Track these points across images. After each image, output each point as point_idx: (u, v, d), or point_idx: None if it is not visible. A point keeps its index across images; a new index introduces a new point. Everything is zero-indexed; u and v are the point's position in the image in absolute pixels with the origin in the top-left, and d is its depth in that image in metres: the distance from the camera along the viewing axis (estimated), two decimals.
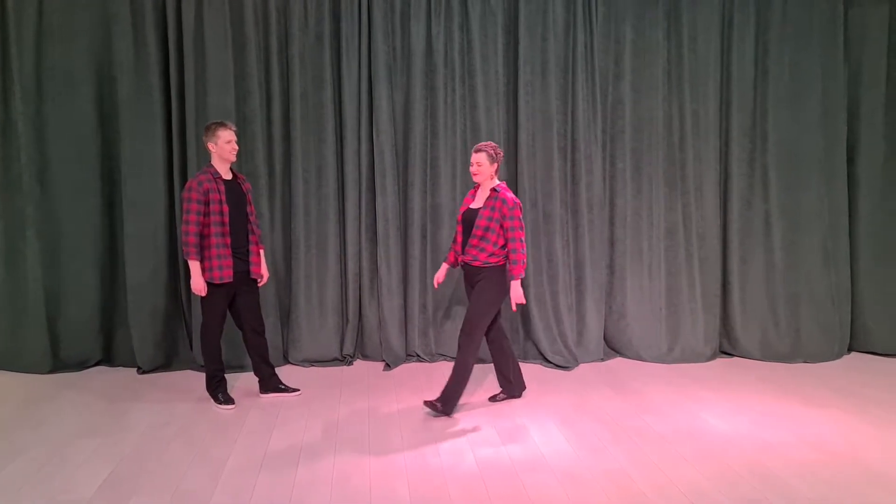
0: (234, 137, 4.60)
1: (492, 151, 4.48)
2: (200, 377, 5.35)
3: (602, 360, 5.75)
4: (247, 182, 4.79)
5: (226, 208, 4.51)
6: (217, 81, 5.36)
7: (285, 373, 5.48)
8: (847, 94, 5.83)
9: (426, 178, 5.69)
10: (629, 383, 5.18)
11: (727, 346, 5.90)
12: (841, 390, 4.98)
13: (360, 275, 5.72)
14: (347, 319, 5.73)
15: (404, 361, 5.73)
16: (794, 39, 5.68)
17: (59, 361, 5.51)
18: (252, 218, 4.71)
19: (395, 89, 5.63)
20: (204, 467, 3.77)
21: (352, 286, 5.70)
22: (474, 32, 5.57)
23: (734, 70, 5.74)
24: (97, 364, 5.63)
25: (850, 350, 5.94)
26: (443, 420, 4.45)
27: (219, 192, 4.50)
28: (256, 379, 4.98)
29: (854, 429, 4.25)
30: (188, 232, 4.45)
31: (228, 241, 4.54)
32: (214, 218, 4.48)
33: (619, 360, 5.80)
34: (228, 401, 4.71)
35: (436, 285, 4.83)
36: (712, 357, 5.78)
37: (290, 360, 5.69)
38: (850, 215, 5.88)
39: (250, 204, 4.72)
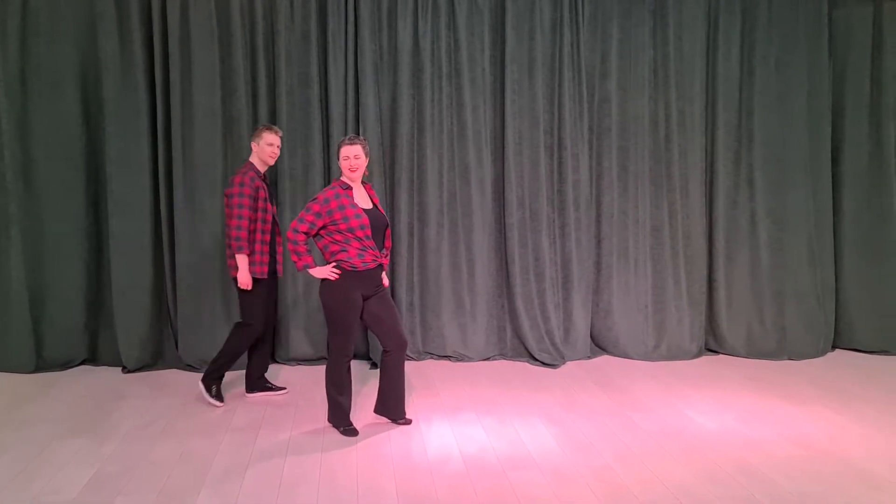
0: (277, 141, 4.62)
1: (366, 145, 4.15)
2: (186, 376, 5.33)
3: (589, 357, 5.77)
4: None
5: (269, 206, 4.63)
6: (203, 79, 5.33)
7: (272, 371, 5.47)
8: (832, 94, 5.88)
9: (413, 176, 5.68)
10: (616, 381, 5.20)
11: (713, 344, 5.94)
12: (825, 387, 5.02)
13: None
14: None
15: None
16: (780, 39, 5.72)
17: (43, 361, 5.47)
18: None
19: (382, 87, 5.62)
20: (190, 466, 3.75)
21: None
22: (461, 31, 5.57)
23: (720, 69, 5.78)
24: (82, 363, 5.59)
25: (834, 347, 5.99)
26: (430, 418, 4.45)
27: (265, 190, 4.60)
28: (243, 378, 4.96)
29: (838, 425, 4.29)
30: (241, 227, 4.47)
31: (268, 238, 4.63)
32: (260, 215, 4.57)
33: (605, 357, 5.82)
34: (220, 397, 4.70)
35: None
36: (698, 354, 5.82)
37: (276, 358, 5.68)
38: (834, 214, 5.93)
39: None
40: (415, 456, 3.88)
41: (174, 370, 5.49)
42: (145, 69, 5.35)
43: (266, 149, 4.61)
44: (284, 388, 4.96)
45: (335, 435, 4.18)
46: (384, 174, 5.66)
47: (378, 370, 5.22)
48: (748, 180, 5.81)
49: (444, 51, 5.60)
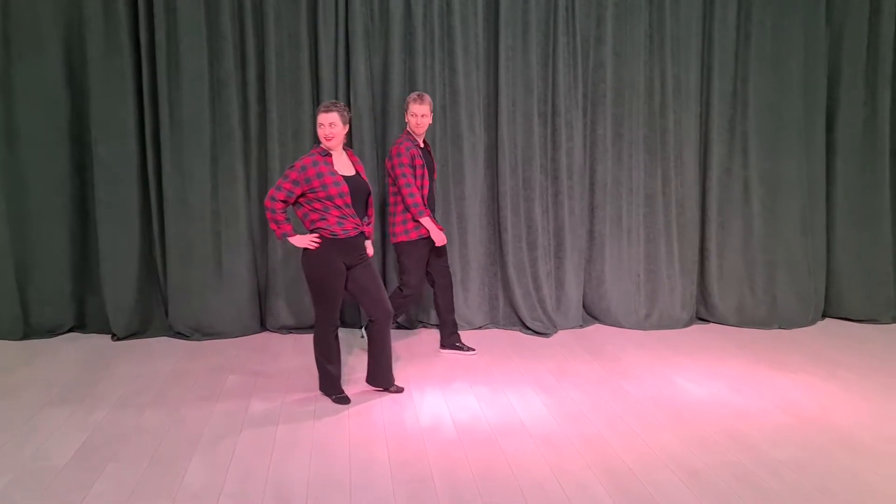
0: (421, 111, 4.74)
1: (344, 112, 4.04)
2: (176, 344, 5.31)
3: (581, 326, 5.78)
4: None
5: (425, 171, 4.84)
6: (189, 41, 5.21)
7: (263, 340, 5.45)
8: (828, 60, 5.82)
9: None
10: (607, 349, 5.21)
11: (704, 313, 5.95)
12: (815, 356, 5.05)
13: None
14: None
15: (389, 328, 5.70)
16: (776, 3, 5.63)
17: (30, 328, 5.42)
18: None
19: (373, 52, 5.51)
20: (181, 434, 3.74)
21: None
22: None
23: (716, 35, 5.69)
24: (70, 331, 5.55)
25: (824, 316, 6.02)
26: (422, 387, 4.45)
27: (420, 157, 4.80)
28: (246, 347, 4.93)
29: (826, 393, 4.32)
30: (412, 193, 4.75)
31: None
32: (418, 182, 4.83)
33: (597, 326, 5.83)
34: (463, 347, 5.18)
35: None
36: (689, 323, 5.83)
37: (267, 327, 5.65)
38: (827, 182, 5.91)
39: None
40: (407, 424, 3.88)
41: (164, 338, 5.45)
42: (130, 30, 5.22)
43: (411, 119, 4.77)
44: (474, 350, 5.09)
45: (327, 403, 4.18)
46: (375, 142, 5.58)
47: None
48: (742, 148, 5.76)
49: (436, 15, 5.48)
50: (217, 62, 5.33)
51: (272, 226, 4.04)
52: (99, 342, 5.35)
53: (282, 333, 5.59)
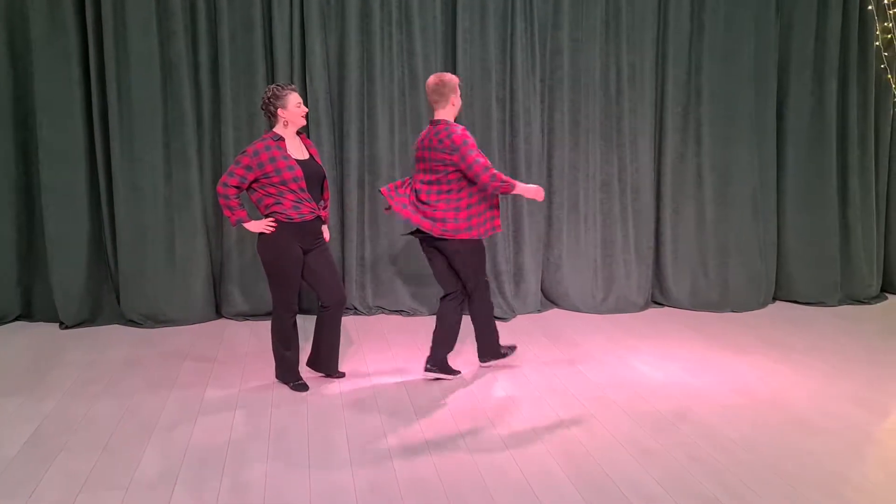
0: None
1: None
2: (128, 332, 5.19)
3: (539, 311, 5.82)
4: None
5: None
6: (138, 20, 5.07)
7: (219, 327, 5.36)
8: (778, 51, 5.93)
9: (363, 127, 5.55)
10: (565, 333, 5.26)
11: (659, 297, 6.05)
12: (766, 338, 5.18)
13: None
14: None
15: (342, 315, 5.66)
16: None
17: None
18: None
19: (329, 33, 5.43)
20: (135, 423, 3.65)
21: None
22: None
23: (670, 23, 5.76)
24: (16, 319, 5.38)
25: (774, 299, 6.17)
26: (380, 373, 4.43)
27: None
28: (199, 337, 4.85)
29: (777, 374, 4.43)
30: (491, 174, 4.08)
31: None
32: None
33: (555, 310, 5.88)
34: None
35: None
36: (645, 307, 5.92)
37: (223, 314, 5.56)
38: (777, 169, 6.04)
39: None
40: (366, 409, 3.86)
41: (115, 326, 5.32)
42: (75, 9, 5.05)
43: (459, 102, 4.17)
44: (514, 346, 4.60)
45: (285, 390, 4.13)
46: (333, 125, 5.51)
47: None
48: (696, 135, 5.85)
49: None
50: (167, 43, 5.20)
51: (226, 212, 3.95)
52: (47, 331, 5.19)
53: (238, 320, 5.50)
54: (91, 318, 5.33)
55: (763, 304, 6.00)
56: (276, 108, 3.91)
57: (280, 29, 5.30)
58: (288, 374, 4.17)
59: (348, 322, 5.49)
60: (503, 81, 5.61)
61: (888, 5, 5.90)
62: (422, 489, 3.04)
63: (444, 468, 3.22)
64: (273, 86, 3.94)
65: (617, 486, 3.07)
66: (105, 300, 5.41)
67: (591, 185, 5.79)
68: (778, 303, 6.15)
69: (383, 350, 4.86)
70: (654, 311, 5.89)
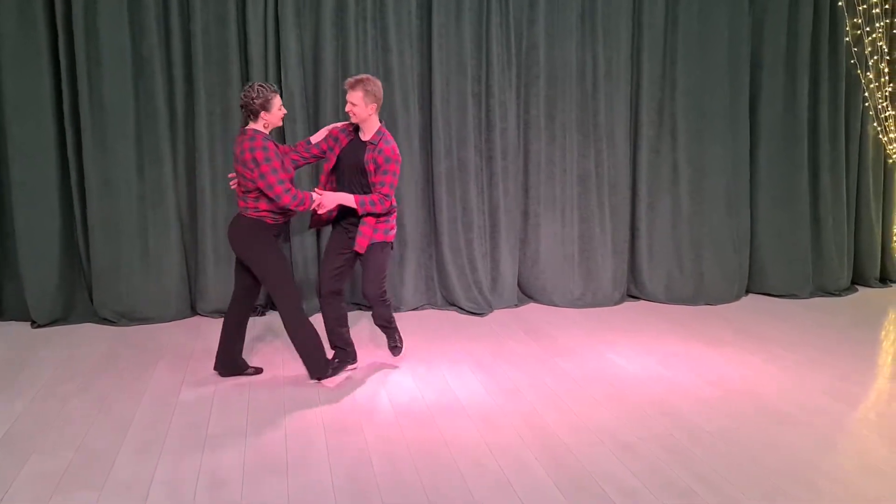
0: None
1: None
2: (101, 330, 5.12)
3: (516, 305, 5.83)
4: (381, 152, 4.13)
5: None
6: (109, 14, 4.98)
7: (194, 324, 5.30)
8: (751, 46, 5.99)
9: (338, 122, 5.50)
10: (542, 328, 5.28)
11: (634, 290, 6.09)
12: (740, 331, 5.24)
13: None
14: None
15: (317, 311, 5.63)
16: None
17: None
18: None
19: (304, 28, 5.38)
20: (109, 424, 3.61)
21: None
22: None
23: (645, 18, 5.79)
24: None
25: (747, 292, 6.24)
26: (358, 368, 4.41)
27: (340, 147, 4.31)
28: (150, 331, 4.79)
29: (751, 366, 4.49)
30: None
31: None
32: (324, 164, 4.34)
33: (532, 305, 5.90)
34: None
35: None
36: (621, 301, 5.96)
37: (198, 311, 5.50)
38: (750, 163, 6.11)
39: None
40: (343, 406, 3.85)
41: (89, 324, 5.24)
42: (45, 3, 4.95)
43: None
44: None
45: (261, 387, 4.10)
46: (308, 121, 5.47)
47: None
48: (671, 130, 5.90)
49: None
50: (140, 37, 5.12)
51: (303, 207, 3.87)
52: (18, 330, 5.10)
53: (213, 317, 5.45)
54: (63, 316, 5.24)
55: (737, 297, 6.07)
56: (260, 110, 3.86)
57: (254, 23, 5.25)
58: (325, 364, 4.14)
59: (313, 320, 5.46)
60: (479, 77, 5.60)
61: (857, 1, 5.99)
62: (400, 486, 3.04)
63: (423, 464, 3.22)
64: (258, 84, 3.87)
65: (595, 480, 3.09)
66: (77, 298, 5.33)
67: (568, 179, 5.82)
68: (751, 295, 6.22)
69: (360, 347, 4.83)
70: (630, 305, 5.93)
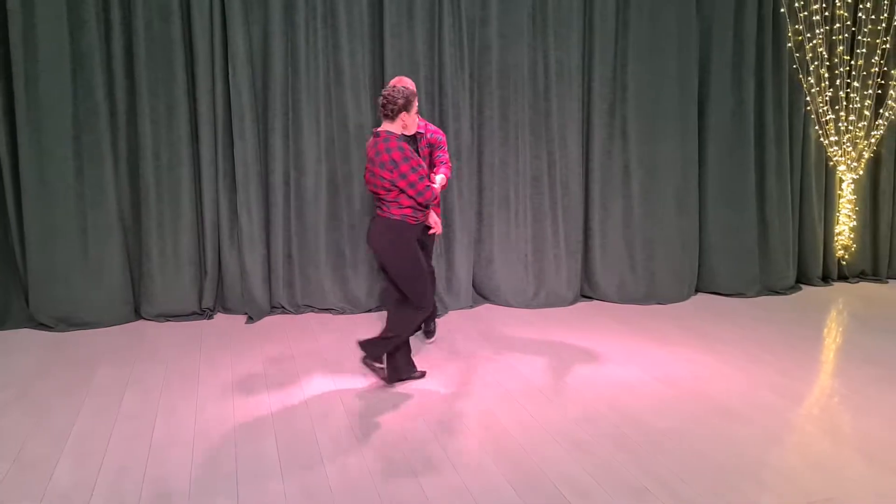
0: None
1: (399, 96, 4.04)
2: (39, 336, 4.91)
3: (471, 306, 5.81)
4: (426, 137, 4.52)
5: None
6: (47, 9, 4.79)
7: (138, 328, 5.13)
8: (699, 50, 6.09)
9: (288, 121, 5.41)
10: (496, 328, 5.27)
11: (588, 290, 6.14)
12: (690, 329, 5.31)
13: (218, 223, 5.41)
14: (206, 271, 5.43)
15: (268, 314, 5.53)
16: None
17: None
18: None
19: (252, 25, 5.27)
20: (48, 433, 3.45)
21: (210, 235, 5.39)
22: None
23: (596, 20, 5.83)
24: None
25: (697, 291, 6.35)
26: (311, 373, 4.33)
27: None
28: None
29: (700, 364, 4.55)
30: None
31: None
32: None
33: (487, 305, 5.88)
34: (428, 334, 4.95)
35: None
36: (574, 301, 6.00)
37: (142, 315, 5.33)
38: (699, 165, 6.21)
39: (434, 155, 4.59)
40: (296, 412, 3.76)
41: (25, 329, 5.03)
42: None
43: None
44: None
45: (210, 393, 3.98)
46: (257, 119, 5.36)
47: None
48: (622, 131, 5.96)
49: None
50: (79, 32, 4.94)
51: (436, 201, 4.13)
52: None
53: (159, 321, 5.29)
54: None
55: (687, 297, 6.16)
56: (401, 111, 3.87)
57: (199, 19, 5.11)
58: (411, 367, 4.21)
59: (280, 321, 5.36)
60: (432, 77, 5.57)
61: (798, 8, 6.15)
62: (355, 493, 2.98)
63: (377, 469, 3.16)
64: (402, 87, 3.89)
65: (550, 480, 3.08)
66: (13, 303, 5.11)
67: (521, 180, 5.82)
68: (700, 294, 6.32)
69: (313, 350, 4.75)
70: (583, 305, 5.97)
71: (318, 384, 4.15)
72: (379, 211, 3.98)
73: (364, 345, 4.01)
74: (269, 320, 5.41)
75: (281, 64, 5.31)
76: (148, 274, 5.26)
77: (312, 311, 5.61)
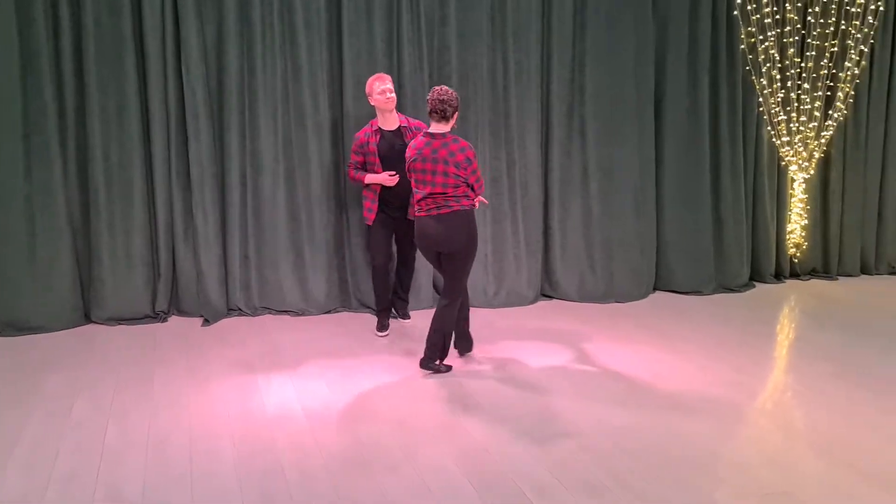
0: (386, 86, 4.80)
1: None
2: None
3: (432, 307, 5.78)
4: (413, 131, 4.89)
5: (376, 159, 4.84)
6: None
7: (88, 332, 5.00)
8: (655, 51, 6.18)
9: (244, 120, 5.33)
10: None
11: (548, 290, 6.16)
12: (648, 327, 5.38)
13: (172, 224, 5.30)
14: (159, 273, 5.31)
15: (225, 316, 5.43)
16: None
17: None
18: None
19: (206, 22, 5.17)
20: None
21: (163, 237, 5.28)
22: None
23: (554, 21, 5.86)
24: None
25: (655, 289, 6.43)
26: (269, 375, 4.26)
27: (375, 144, 4.84)
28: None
29: (657, 361, 4.60)
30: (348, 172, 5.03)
31: (378, 189, 4.88)
32: (369, 168, 4.89)
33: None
34: (382, 328, 5.12)
35: None
36: (535, 300, 6.02)
37: (92, 318, 5.19)
38: (656, 165, 6.29)
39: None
40: (253, 414, 3.70)
41: None
42: None
43: (379, 98, 4.83)
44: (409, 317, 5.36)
45: (164, 397, 3.89)
46: (212, 118, 5.26)
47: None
48: (580, 132, 6.00)
49: None
50: (26, 30, 4.80)
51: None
52: None
53: (110, 325, 5.16)
54: None
55: (645, 295, 6.24)
56: (455, 112, 4.17)
57: (150, 15, 5.00)
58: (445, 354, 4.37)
59: (237, 323, 5.28)
60: (391, 76, 5.52)
61: (751, 11, 6.28)
62: (313, 493, 2.94)
63: (335, 470, 3.12)
64: (451, 91, 4.17)
65: (510, 479, 3.07)
66: None
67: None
68: (658, 293, 6.40)
69: (272, 353, 4.68)
70: (543, 304, 5.99)
71: (276, 386, 4.09)
72: (441, 210, 4.15)
73: (426, 360, 4.29)
74: (225, 322, 5.32)
75: (236, 61, 5.23)
76: (98, 277, 5.13)
77: (270, 313, 5.53)
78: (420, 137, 4.20)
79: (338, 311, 5.64)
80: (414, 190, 4.22)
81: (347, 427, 3.57)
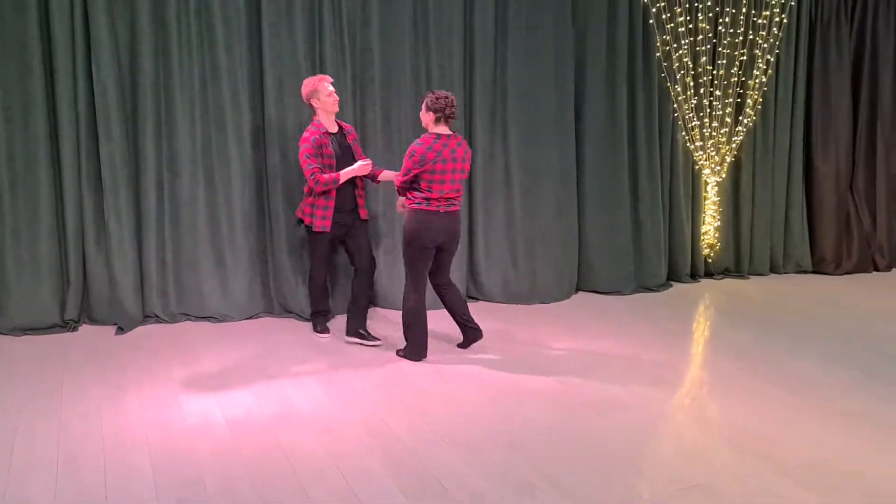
0: (332, 88, 4.78)
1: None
2: None
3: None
4: (352, 132, 4.97)
5: (333, 161, 4.72)
6: None
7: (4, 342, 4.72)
8: (575, 55, 6.31)
9: (160, 121, 5.15)
10: (382, 331, 5.21)
11: (474, 291, 6.20)
12: (572, 326, 5.47)
13: (82, 229, 5.06)
14: (69, 280, 5.06)
15: (141, 324, 5.22)
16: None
17: None
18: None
19: (118, 19, 4.97)
20: None
21: (73, 242, 5.03)
22: None
23: (476, 24, 5.91)
24: None
25: (578, 290, 6.55)
26: (189, 385, 4.12)
27: (328, 146, 4.71)
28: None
29: (579, 360, 4.68)
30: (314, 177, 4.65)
31: (333, 193, 4.73)
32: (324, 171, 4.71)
33: (373, 309, 5.82)
34: (325, 330, 5.09)
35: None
36: None
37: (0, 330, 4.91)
38: (577, 167, 6.43)
39: (358, 153, 4.94)
40: (172, 426, 3.56)
41: None
42: None
43: (327, 100, 4.78)
44: (379, 340, 4.90)
45: (75, 410, 3.70)
46: (125, 119, 5.06)
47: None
48: (503, 135, 6.06)
49: None
50: None
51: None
52: None
53: (16, 335, 4.88)
54: None
55: (568, 295, 6.35)
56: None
57: (58, 11, 4.77)
58: (422, 349, 4.60)
59: (154, 331, 5.08)
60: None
61: (665, 20, 6.50)
62: (236, 499, 2.85)
63: (261, 479, 3.04)
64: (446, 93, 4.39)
65: (438, 481, 3.06)
66: None
67: None
68: (581, 293, 6.54)
69: (192, 361, 4.53)
70: (469, 306, 5.99)
71: (195, 394, 3.95)
72: (451, 207, 4.48)
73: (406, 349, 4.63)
74: (141, 330, 5.12)
75: (150, 61, 5.04)
76: (2, 284, 4.84)
77: (189, 320, 5.36)
78: (431, 140, 4.36)
79: (260, 317, 5.51)
80: (423, 189, 4.39)
81: (271, 434, 3.48)
